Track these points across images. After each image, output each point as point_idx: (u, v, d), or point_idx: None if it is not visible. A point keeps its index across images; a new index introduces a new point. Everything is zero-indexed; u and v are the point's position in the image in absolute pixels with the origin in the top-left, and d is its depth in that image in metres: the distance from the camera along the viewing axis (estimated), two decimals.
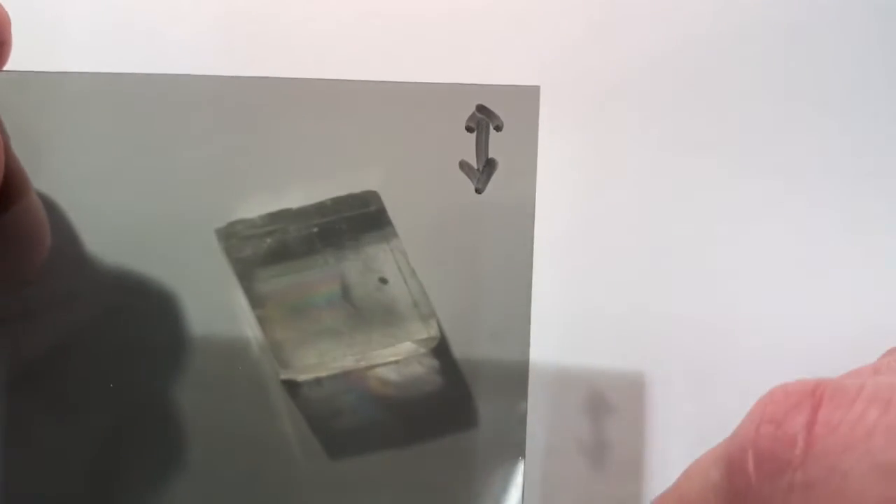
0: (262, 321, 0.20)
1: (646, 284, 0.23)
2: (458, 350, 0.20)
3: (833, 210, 0.24)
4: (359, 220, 0.20)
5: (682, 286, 0.24)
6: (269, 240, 0.20)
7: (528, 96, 0.20)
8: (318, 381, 0.20)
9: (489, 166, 0.19)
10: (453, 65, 0.23)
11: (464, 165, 0.19)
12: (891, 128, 0.25)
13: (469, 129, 0.19)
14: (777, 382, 0.14)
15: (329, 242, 0.20)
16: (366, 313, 0.20)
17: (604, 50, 0.25)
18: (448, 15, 0.23)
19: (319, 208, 0.20)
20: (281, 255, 0.20)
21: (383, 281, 0.20)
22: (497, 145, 0.20)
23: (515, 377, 0.20)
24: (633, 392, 0.23)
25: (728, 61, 0.25)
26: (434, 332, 0.20)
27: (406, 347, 0.20)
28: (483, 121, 0.19)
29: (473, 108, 0.19)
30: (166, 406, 0.20)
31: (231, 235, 0.20)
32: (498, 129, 0.19)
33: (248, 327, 0.20)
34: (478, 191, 0.19)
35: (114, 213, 0.20)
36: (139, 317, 0.20)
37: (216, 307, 0.20)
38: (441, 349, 0.20)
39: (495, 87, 0.20)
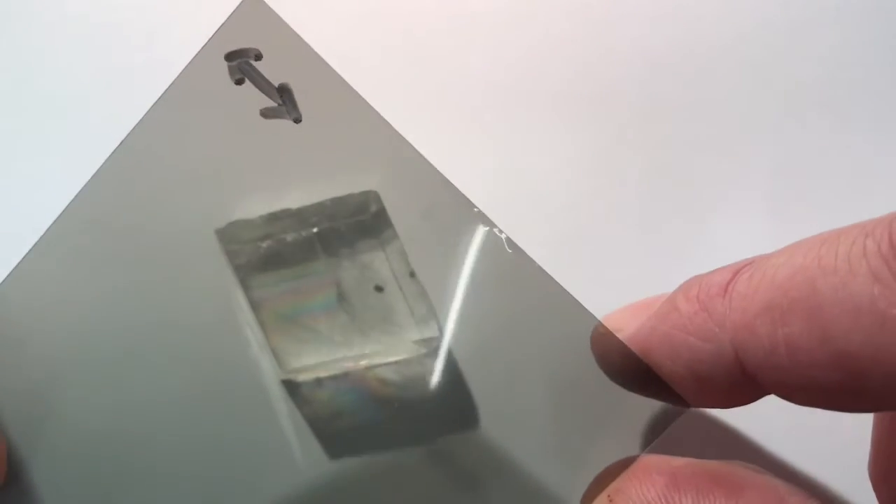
0: (261, 323, 0.20)
1: (644, 285, 0.23)
2: (459, 350, 0.20)
3: (833, 211, 0.24)
4: (358, 221, 0.20)
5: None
6: (268, 241, 0.20)
7: (256, 6, 0.18)
8: (318, 382, 0.20)
9: (285, 93, 0.18)
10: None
11: (267, 112, 0.17)
12: (891, 128, 0.25)
13: (239, 82, 0.18)
14: None
15: (328, 245, 0.20)
16: (364, 316, 0.20)
17: (603, 49, 0.25)
18: None
19: (319, 209, 0.20)
20: (279, 257, 0.20)
21: (382, 283, 0.20)
22: (275, 72, 0.18)
23: (519, 377, 0.20)
24: None
25: (728, 61, 0.25)
26: (434, 332, 0.20)
27: (406, 347, 0.20)
28: (241, 63, 0.17)
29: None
30: (164, 406, 0.20)
31: (230, 236, 0.20)
32: (258, 57, 0.17)
33: (248, 328, 0.20)
34: (296, 121, 0.18)
35: (113, 214, 0.20)
36: (137, 316, 0.20)
37: (216, 308, 0.20)
38: (441, 349, 0.20)
39: (224, 25, 0.18)
